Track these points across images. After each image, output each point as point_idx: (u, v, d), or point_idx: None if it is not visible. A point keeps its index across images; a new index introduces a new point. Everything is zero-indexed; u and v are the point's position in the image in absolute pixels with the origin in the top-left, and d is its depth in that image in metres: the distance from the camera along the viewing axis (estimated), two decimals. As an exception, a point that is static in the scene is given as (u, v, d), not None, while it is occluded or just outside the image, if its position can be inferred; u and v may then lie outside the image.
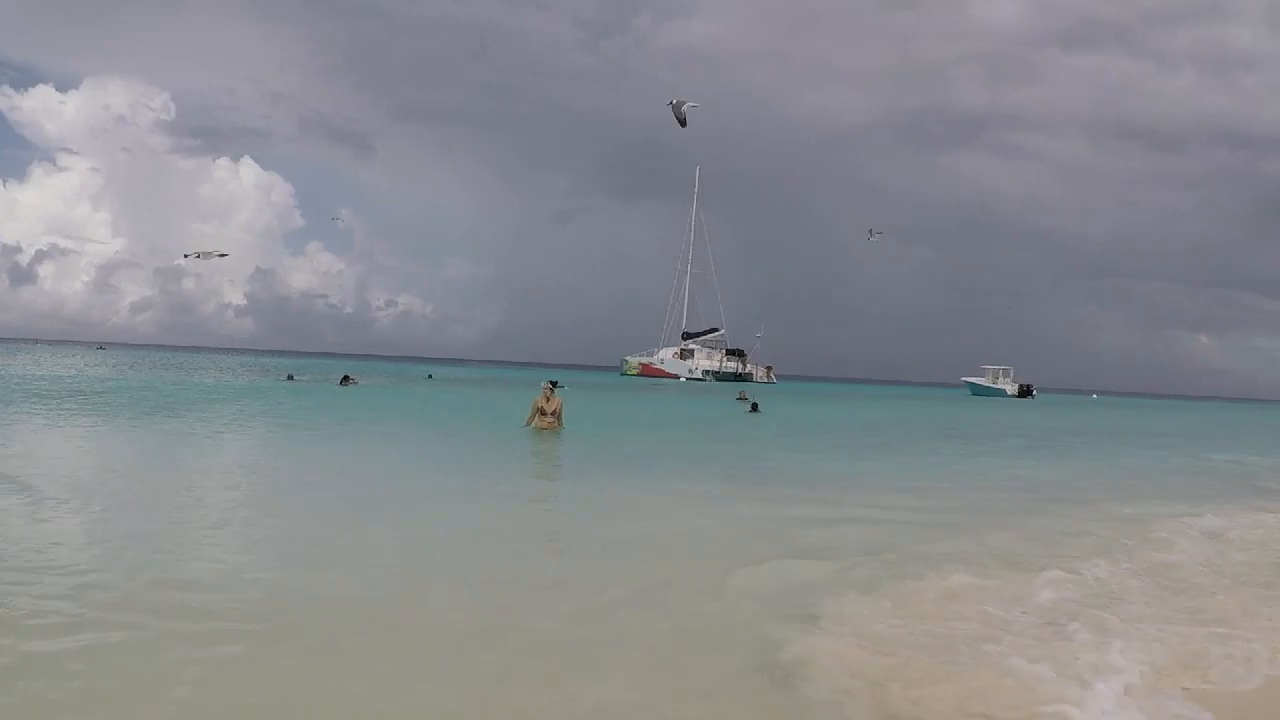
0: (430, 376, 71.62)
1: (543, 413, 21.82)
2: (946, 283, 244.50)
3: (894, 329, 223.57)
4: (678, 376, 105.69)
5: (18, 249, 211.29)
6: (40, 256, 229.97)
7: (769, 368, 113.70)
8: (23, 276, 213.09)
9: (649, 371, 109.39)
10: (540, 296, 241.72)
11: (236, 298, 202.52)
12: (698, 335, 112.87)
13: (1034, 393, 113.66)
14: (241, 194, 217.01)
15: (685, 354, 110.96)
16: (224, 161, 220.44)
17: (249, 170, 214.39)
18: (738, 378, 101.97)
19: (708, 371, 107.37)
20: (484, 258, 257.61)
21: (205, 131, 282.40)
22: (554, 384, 23.48)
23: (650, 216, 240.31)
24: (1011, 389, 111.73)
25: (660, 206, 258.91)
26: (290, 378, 53.14)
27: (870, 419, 42.51)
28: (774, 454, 22.52)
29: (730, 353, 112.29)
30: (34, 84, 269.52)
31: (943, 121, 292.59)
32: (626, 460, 18.66)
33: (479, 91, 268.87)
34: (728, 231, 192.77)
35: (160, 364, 68.17)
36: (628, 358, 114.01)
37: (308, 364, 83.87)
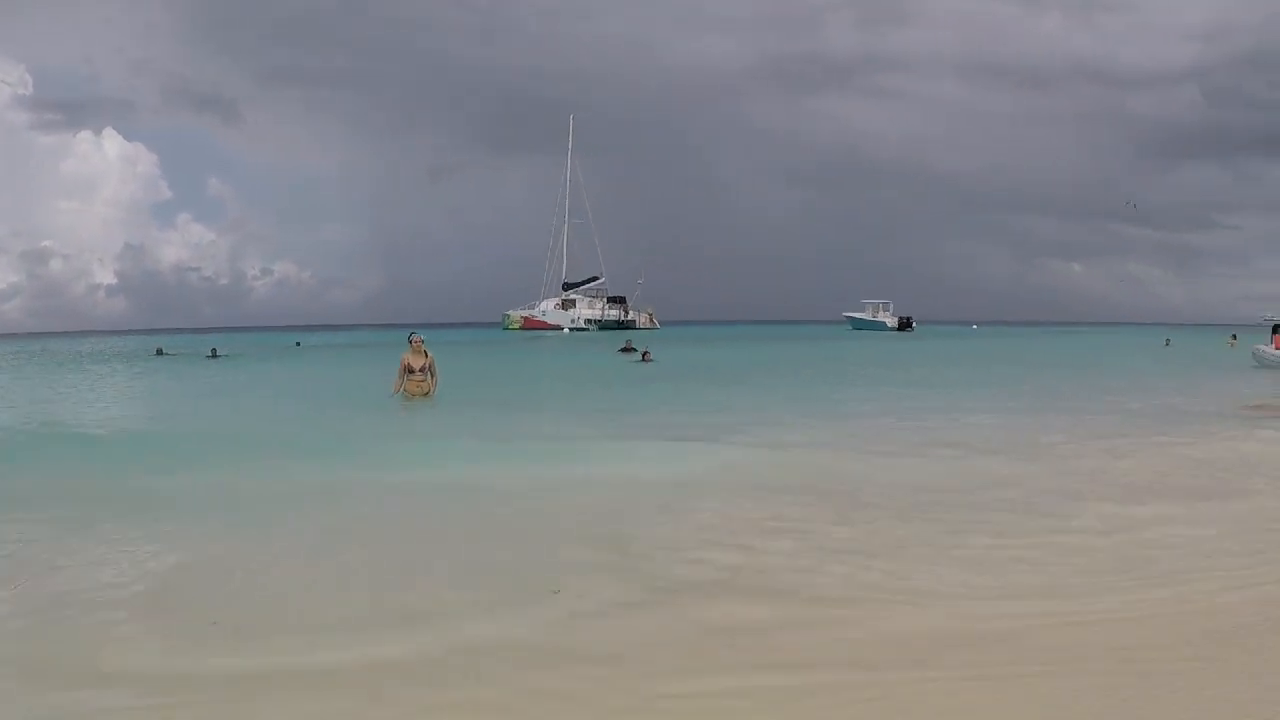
0: (298, 344, 68.95)
1: (411, 370, 19.85)
2: (826, 222, 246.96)
3: (776, 269, 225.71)
4: (560, 328, 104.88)
5: None
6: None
7: (651, 313, 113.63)
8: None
9: (531, 324, 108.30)
10: (419, 256, 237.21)
11: (107, 277, 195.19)
12: (578, 285, 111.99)
13: (914, 325, 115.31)
14: (105, 168, 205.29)
15: (567, 304, 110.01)
16: (86, 135, 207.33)
17: (112, 142, 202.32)
18: (620, 325, 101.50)
19: (590, 320, 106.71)
20: (360, 220, 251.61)
21: (66, 105, 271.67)
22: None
23: (527, 169, 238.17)
24: (891, 322, 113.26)
25: (536, 158, 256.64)
26: (160, 352, 51.45)
27: (757, 359, 42.77)
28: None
29: (612, 300, 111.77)
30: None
31: (818, 65, 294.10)
32: (494, 431, 16.20)
33: (346, 51, 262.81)
34: (606, 180, 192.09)
35: (19, 355, 63.78)
36: (509, 312, 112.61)
37: (181, 340, 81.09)
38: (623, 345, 44.77)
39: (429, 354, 20.15)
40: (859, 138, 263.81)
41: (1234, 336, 55.07)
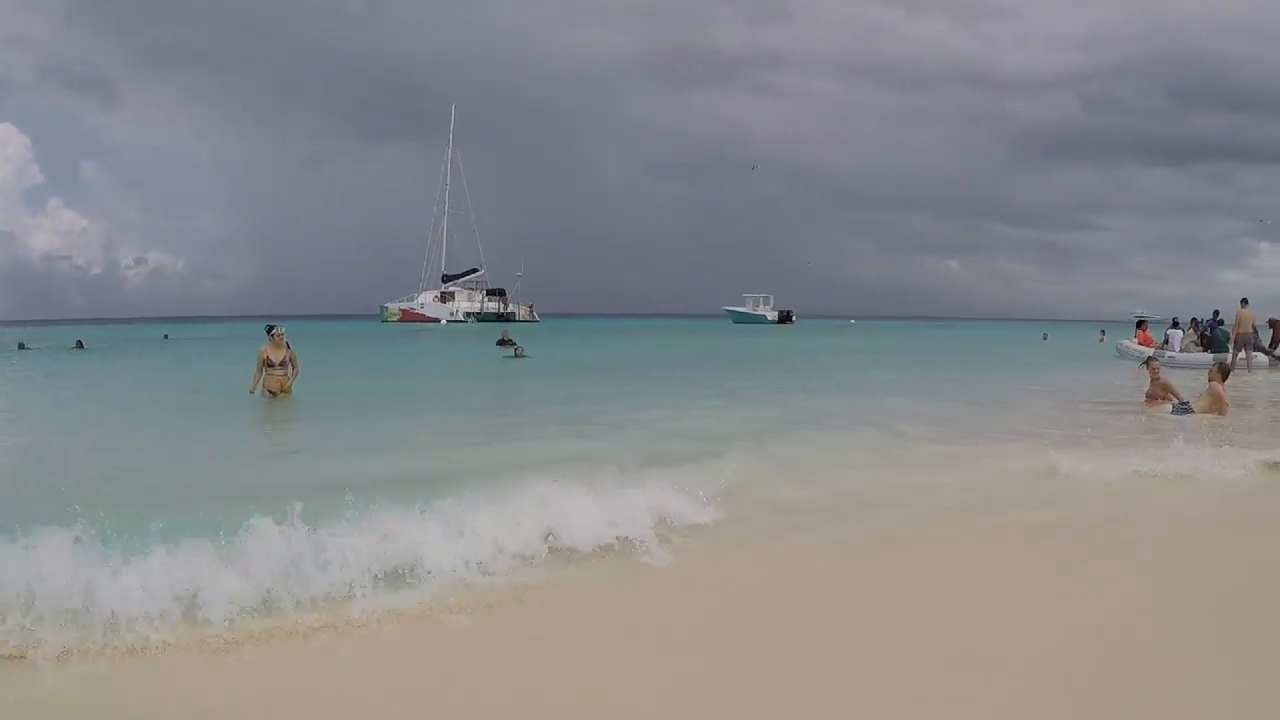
0: (166, 337, 66.33)
1: (270, 365, 18.70)
2: (707, 216, 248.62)
3: (658, 263, 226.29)
4: (438, 320, 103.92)
5: None
6: None
7: (531, 306, 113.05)
8: None
9: (410, 317, 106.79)
10: (296, 245, 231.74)
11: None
12: (457, 277, 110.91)
13: (794, 318, 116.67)
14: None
15: (446, 297, 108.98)
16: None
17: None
18: (500, 318, 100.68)
19: (469, 313, 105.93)
20: (236, 208, 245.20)
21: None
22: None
23: (407, 158, 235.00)
24: (772, 315, 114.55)
25: (417, 148, 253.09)
26: (21, 346, 49.47)
27: (634, 354, 42.62)
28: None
29: (491, 293, 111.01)
30: None
31: (701, 60, 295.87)
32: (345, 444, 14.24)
33: (227, 32, 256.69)
34: (487, 171, 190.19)
35: None
36: (387, 304, 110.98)
37: (48, 332, 77.81)
38: (500, 337, 42.57)
39: (289, 347, 19.23)
40: (742, 133, 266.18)
41: (1103, 332, 56.87)
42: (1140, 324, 38.20)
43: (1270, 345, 33.24)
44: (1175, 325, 36.55)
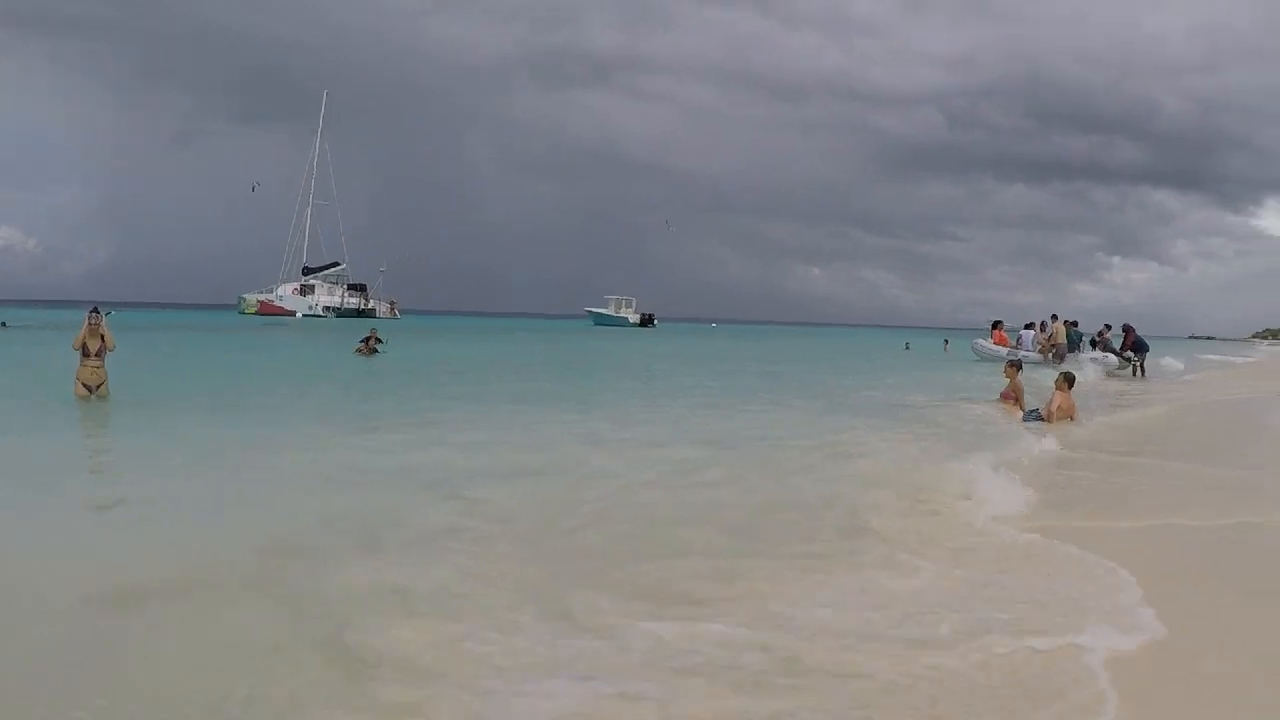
0: (4, 325, 59.61)
1: (86, 355, 16.48)
2: (576, 217, 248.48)
3: (523, 262, 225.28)
4: (295, 313, 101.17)
5: None
6: None
7: (392, 303, 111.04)
8: None
9: (268, 309, 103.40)
10: (155, 228, 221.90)
11: None
12: (318, 270, 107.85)
13: (655, 321, 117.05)
14: None
15: (305, 290, 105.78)
16: None
17: None
18: (360, 314, 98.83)
19: (328, 308, 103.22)
20: (94, 184, 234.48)
21: None
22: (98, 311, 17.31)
23: (276, 144, 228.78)
24: (634, 318, 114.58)
25: (287, 133, 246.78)
26: None
27: (486, 354, 42.07)
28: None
29: (353, 288, 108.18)
30: None
31: (579, 60, 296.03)
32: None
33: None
34: (355, 162, 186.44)
35: None
36: (245, 295, 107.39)
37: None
38: (366, 337, 36.41)
39: (106, 335, 16.76)
40: (614, 135, 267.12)
41: (946, 341, 59.99)
42: (996, 325, 40.11)
43: (1120, 349, 36.02)
44: (1028, 327, 38.76)
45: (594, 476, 10.15)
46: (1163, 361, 43.07)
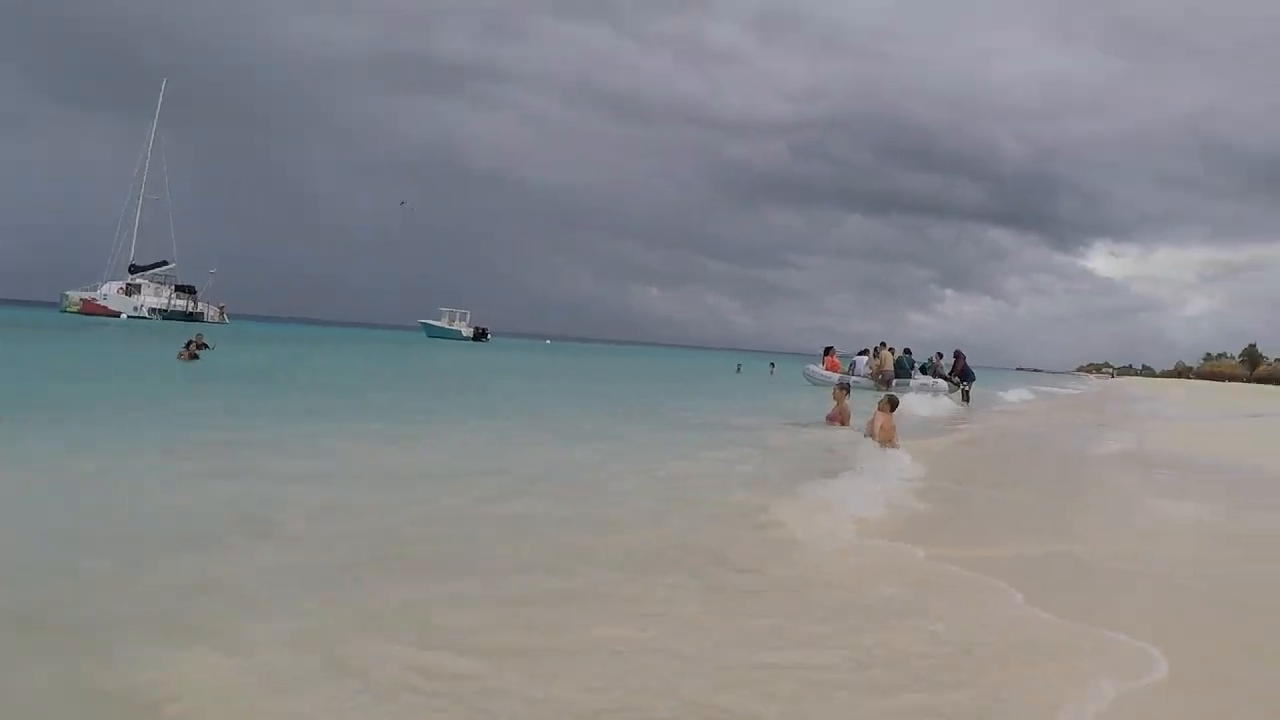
0: None
1: None
2: (416, 225, 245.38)
3: (361, 270, 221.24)
4: (119, 314, 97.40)
5: None
6: None
7: (222, 308, 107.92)
8: None
9: (91, 309, 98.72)
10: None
11: None
12: (146, 269, 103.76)
13: (489, 336, 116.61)
14: None
15: (131, 289, 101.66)
16: None
17: None
18: (188, 317, 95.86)
19: (154, 309, 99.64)
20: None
21: None
22: None
23: (108, 131, 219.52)
24: (467, 331, 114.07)
25: (119, 121, 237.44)
26: None
27: (318, 365, 40.94)
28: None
29: (181, 289, 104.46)
30: None
31: (430, 65, 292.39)
32: None
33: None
34: (192, 156, 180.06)
35: None
36: (68, 292, 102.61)
37: None
38: (189, 342, 34.07)
39: None
40: (460, 143, 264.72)
41: (772, 365, 63.48)
42: (828, 351, 41.21)
43: (950, 374, 38.11)
44: (862, 353, 40.23)
45: (391, 501, 9.26)
46: (1004, 394, 46.45)
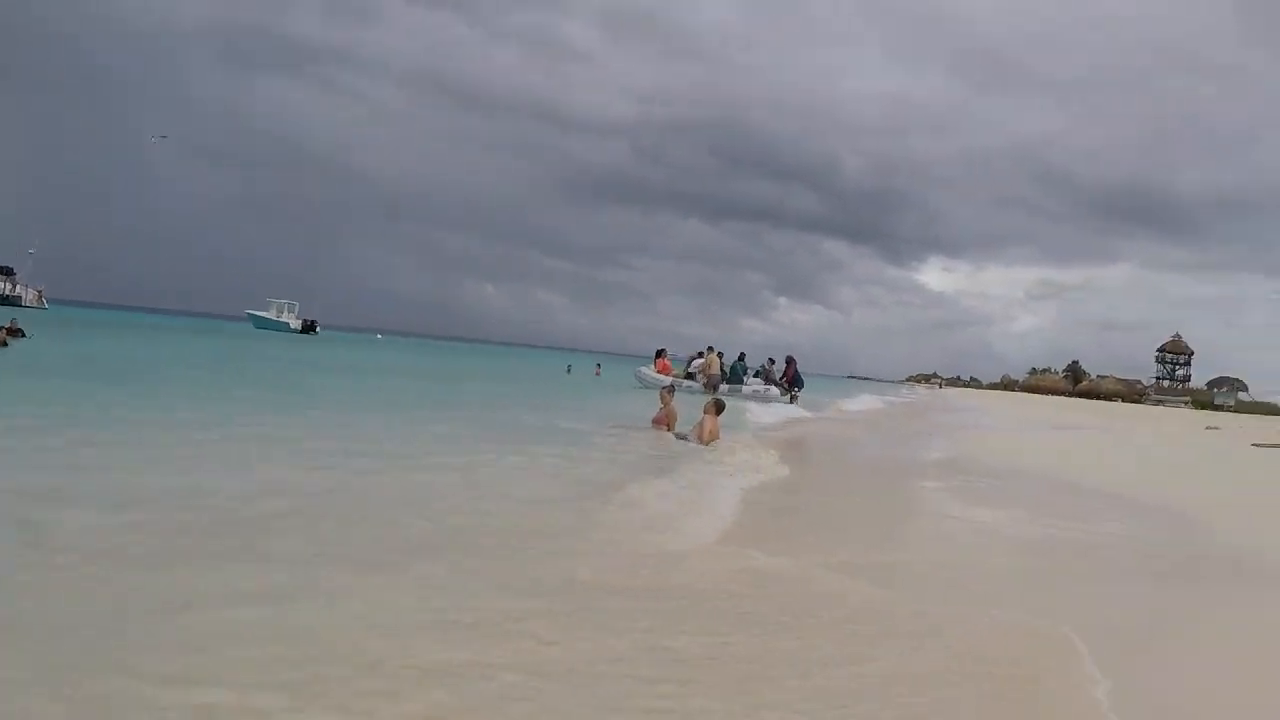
0: None
1: None
2: (248, 211, 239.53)
3: (190, 256, 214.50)
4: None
5: None
6: None
7: (40, 291, 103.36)
8: None
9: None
10: None
11: None
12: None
13: (318, 329, 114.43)
14: None
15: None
16: None
17: None
18: (4, 300, 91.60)
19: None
20: None
21: None
22: None
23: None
24: (295, 324, 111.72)
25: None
26: None
27: (142, 356, 39.35)
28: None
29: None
30: None
31: (274, 44, 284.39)
32: None
33: None
34: (10, 123, 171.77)
35: None
36: None
37: None
38: (3, 326, 32.37)
39: None
40: (298, 128, 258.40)
41: (599, 366, 65.18)
42: (660, 353, 41.43)
43: (780, 379, 39.13)
44: (699, 356, 40.66)
45: (179, 499, 8.58)
46: (843, 401, 48.94)
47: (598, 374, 57.01)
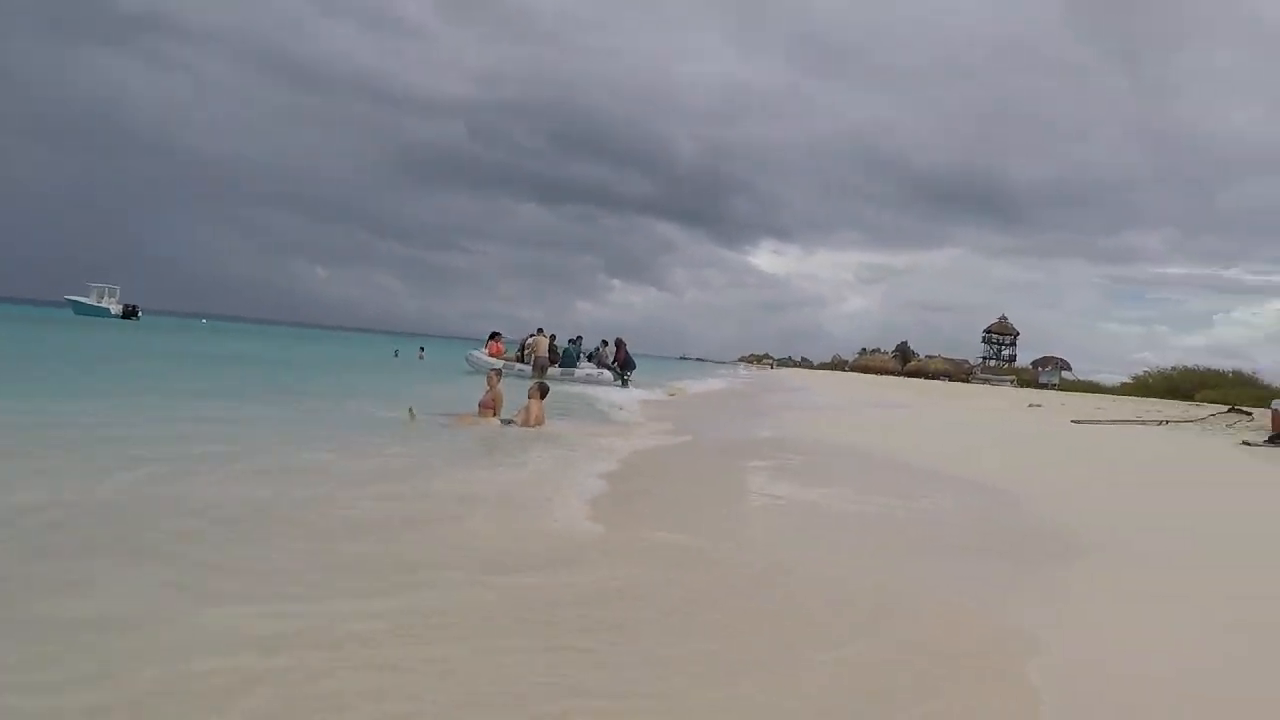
0: None
1: None
2: (66, 189, 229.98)
3: (6, 238, 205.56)
4: None
5: None
6: None
7: None
8: None
9: None
10: None
11: None
12: None
13: (140, 314, 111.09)
14: None
15: None
16: None
17: None
18: None
19: None
20: None
21: None
22: None
23: None
24: (116, 309, 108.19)
25: None
26: None
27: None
28: None
29: None
30: None
31: (99, 11, 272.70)
32: None
33: None
34: None
35: None
36: None
37: None
38: None
39: None
40: (127, 102, 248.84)
41: (422, 349, 64.71)
42: (494, 336, 40.88)
43: (612, 362, 39.04)
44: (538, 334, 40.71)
45: None
46: (681, 383, 49.03)
47: (421, 357, 56.44)
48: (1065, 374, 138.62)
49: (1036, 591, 7.32)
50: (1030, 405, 48.15)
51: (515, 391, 20.04)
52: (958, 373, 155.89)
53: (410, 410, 17.37)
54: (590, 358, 41.82)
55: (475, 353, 41.32)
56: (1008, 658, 5.51)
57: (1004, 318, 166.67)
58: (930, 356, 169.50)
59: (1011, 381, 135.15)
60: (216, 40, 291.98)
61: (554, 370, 38.70)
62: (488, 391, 18.82)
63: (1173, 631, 6.30)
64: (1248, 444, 23.22)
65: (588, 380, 38.24)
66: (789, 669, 5.13)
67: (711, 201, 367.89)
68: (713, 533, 8.87)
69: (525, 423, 17.40)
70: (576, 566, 7.01)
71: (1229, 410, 37.26)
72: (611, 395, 32.55)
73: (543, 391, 18.22)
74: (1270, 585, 7.95)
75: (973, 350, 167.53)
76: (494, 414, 18.28)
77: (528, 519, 8.85)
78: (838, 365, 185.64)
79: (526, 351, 40.19)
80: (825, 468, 15.84)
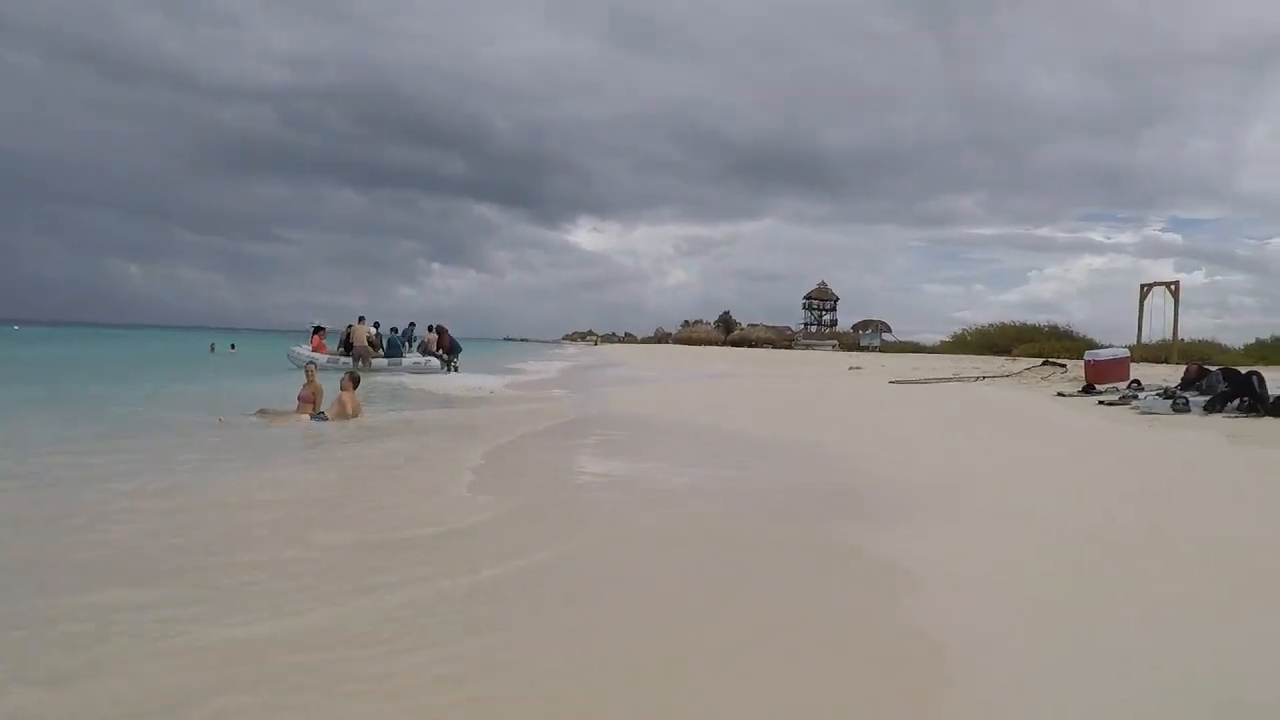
0: None
1: None
2: None
3: None
4: None
5: None
6: None
7: None
8: None
9: None
10: None
11: None
12: None
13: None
14: None
15: None
16: None
17: None
18: None
19: None
20: None
21: None
22: None
23: None
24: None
25: None
26: None
27: None
28: None
29: None
30: None
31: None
32: None
33: None
34: None
35: None
36: None
37: None
38: None
39: None
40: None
41: (232, 345, 63.38)
42: (318, 330, 39.88)
43: (436, 349, 38.54)
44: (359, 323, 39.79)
45: None
46: (515, 364, 49.89)
47: (232, 351, 55.22)
48: (886, 336, 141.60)
49: (890, 539, 7.64)
50: (851, 368, 49.31)
51: (335, 385, 19.56)
52: (780, 340, 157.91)
53: (220, 418, 16.86)
54: (421, 346, 41.24)
55: (297, 348, 40.20)
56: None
57: (823, 284, 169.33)
58: (753, 325, 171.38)
59: (833, 346, 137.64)
60: (13, 30, 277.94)
61: (379, 361, 38.03)
62: (306, 385, 18.43)
63: (1002, 552, 7.35)
64: (1062, 395, 24.28)
65: (414, 369, 37.71)
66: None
67: (531, 182, 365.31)
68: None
69: (340, 415, 17.14)
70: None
71: (1043, 363, 38.77)
72: (447, 381, 32.34)
73: (354, 382, 18.02)
74: (1081, 516, 8.86)
75: (795, 317, 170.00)
76: (314, 408, 17.92)
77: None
78: (661, 338, 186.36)
79: (351, 342, 39.38)
80: (645, 441, 15.97)
